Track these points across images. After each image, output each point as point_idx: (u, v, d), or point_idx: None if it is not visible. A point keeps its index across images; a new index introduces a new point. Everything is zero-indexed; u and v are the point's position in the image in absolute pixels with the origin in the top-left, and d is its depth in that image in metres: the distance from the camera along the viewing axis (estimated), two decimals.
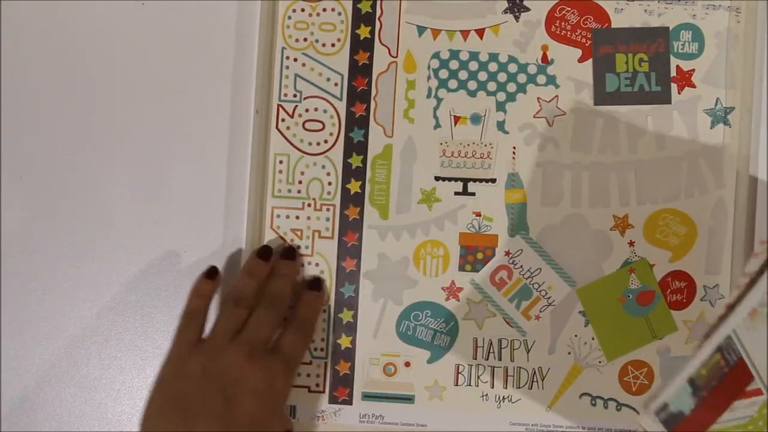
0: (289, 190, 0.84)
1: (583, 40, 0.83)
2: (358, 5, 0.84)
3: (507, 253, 0.82)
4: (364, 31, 0.84)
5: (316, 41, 0.84)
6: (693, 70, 0.82)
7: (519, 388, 0.82)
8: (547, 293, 0.82)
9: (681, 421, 0.65)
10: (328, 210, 0.84)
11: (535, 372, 0.82)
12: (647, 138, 0.82)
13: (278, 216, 0.84)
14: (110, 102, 0.83)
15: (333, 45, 0.84)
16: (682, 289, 0.81)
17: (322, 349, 0.83)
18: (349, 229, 0.84)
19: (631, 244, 0.81)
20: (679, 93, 0.82)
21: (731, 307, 0.61)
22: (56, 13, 0.83)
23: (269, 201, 0.84)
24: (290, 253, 0.81)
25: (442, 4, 0.83)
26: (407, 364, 0.83)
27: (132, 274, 0.83)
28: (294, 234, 0.84)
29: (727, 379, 0.63)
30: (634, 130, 0.82)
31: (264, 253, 0.80)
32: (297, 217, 0.84)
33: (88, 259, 0.83)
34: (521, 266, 0.82)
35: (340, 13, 0.84)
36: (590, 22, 0.83)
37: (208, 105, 0.83)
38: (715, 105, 0.81)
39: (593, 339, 0.81)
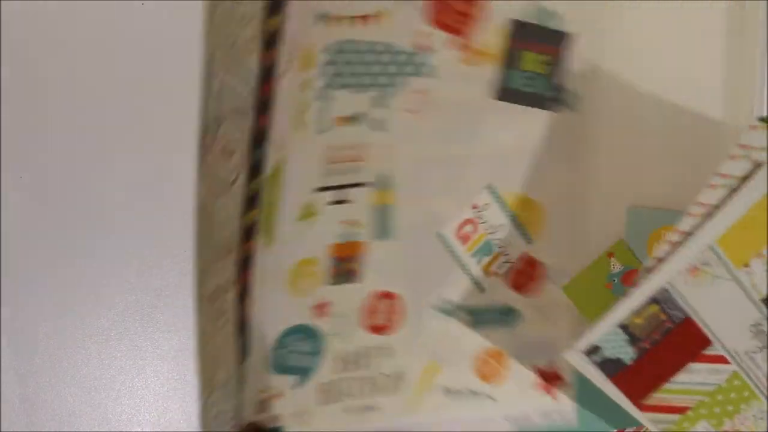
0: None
1: (455, 25, 0.75)
2: None
3: (474, 206, 0.79)
4: (274, 24, 0.66)
5: (235, 42, 0.65)
6: None
7: (381, 394, 0.81)
8: (506, 250, 0.80)
9: (621, 370, 0.72)
10: (232, 255, 0.73)
11: (394, 375, 0.81)
12: (506, 129, 0.79)
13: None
14: (110, 101, 0.76)
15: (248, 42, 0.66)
16: (531, 274, 0.84)
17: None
18: (245, 269, 0.73)
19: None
20: None
21: (661, 261, 0.68)
22: (56, 12, 0.74)
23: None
24: None
25: None
26: (278, 396, 0.78)
27: (132, 274, 0.78)
28: (214, 296, 0.72)
29: (673, 336, 0.70)
30: (496, 121, 0.78)
31: None
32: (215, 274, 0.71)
33: (88, 259, 0.78)
34: (486, 221, 0.79)
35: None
36: (462, 5, 0.74)
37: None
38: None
39: (448, 334, 0.81)
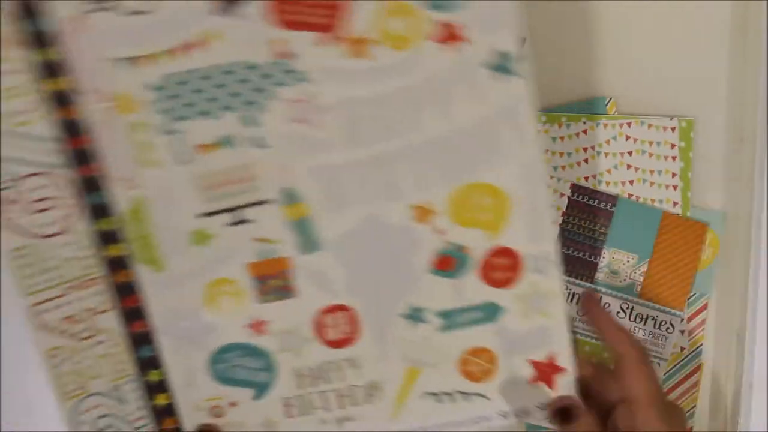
0: (44, 281, 0.74)
1: (321, 20, 0.69)
2: (41, 57, 0.68)
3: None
4: (58, 84, 0.69)
5: (10, 114, 0.69)
6: (459, 22, 0.71)
7: (357, 405, 0.79)
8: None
9: None
10: (95, 284, 0.75)
11: (369, 386, 0.78)
12: (428, 114, 0.72)
13: (42, 312, 0.74)
14: None
15: (28, 111, 0.69)
16: (508, 266, 0.76)
17: (142, 418, 0.78)
18: (126, 294, 0.75)
19: (440, 231, 0.75)
20: (450, 53, 0.71)
21: None
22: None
23: (25, 301, 0.74)
24: None
25: (138, 25, 0.68)
26: (233, 405, 0.78)
27: None
28: (68, 323, 0.74)
29: None
30: (409, 108, 0.72)
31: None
32: (63, 305, 0.75)
33: None
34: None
35: (22, 72, 0.68)
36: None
37: None
38: (496, 55, 0.71)
39: (423, 338, 0.77)
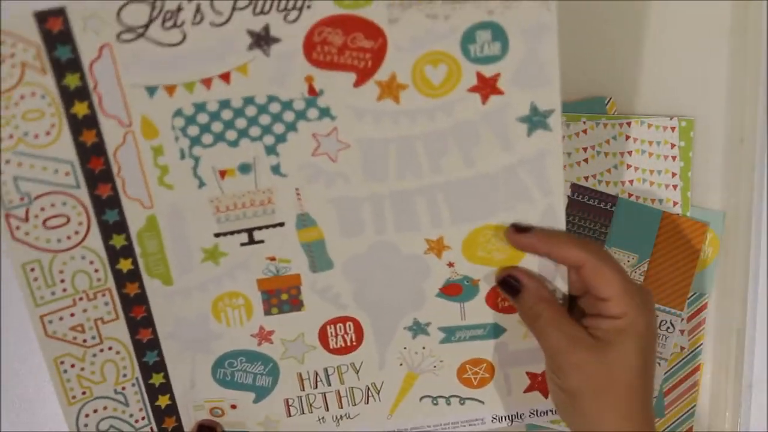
0: (53, 293, 0.75)
1: (356, 62, 0.69)
2: (63, 82, 0.68)
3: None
4: (81, 109, 0.69)
5: (26, 134, 0.69)
6: (498, 74, 0.70)
7: (355, 405, 0.81)
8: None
9: None
10: (104, 295, 0.76)
11: (368, 388, 0.81)
12: (451, 157, 0.72)
13: (50, 322, 0.75)
14: None
15: (48, 133, 0.70)
16: None
17: (143, 418, 0.80)
18: (134, 304, 0.76)
19: (451, 264, 0.75)
20: (484, 103, 0.71)
21: None
22: None
23: (35, 312, 0.75)
24: None
25: (168, 55, 0.68)
26: (233, 407, 0.80)
27: None
28: (75, 331, 0.76)
29: None
30: (434, 151, 0.72)
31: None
32: (72, 315, 0.75)
33: None
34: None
35: (44, 96, 0.68)
36: (360, 40, 0.68)
37: None
38: (530, 110, 0.71)
39: (424, 348, 0.79)
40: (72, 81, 0.68)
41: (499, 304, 0.77)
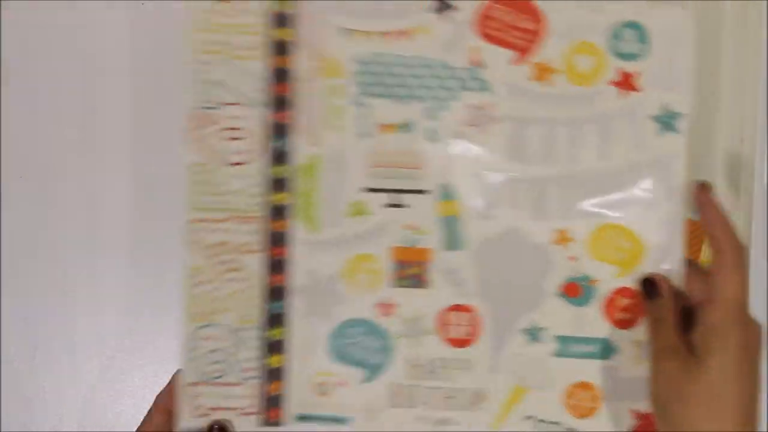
0: (209, 203, 0.79)
1: (517, 41, 0.77)
2: (277, 7, 0.76)
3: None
4: (285, 34, 0.77)
5: (233, 45, 0.76)
6: (637, 72, 0.78)
7: (458, 410, 0.81)
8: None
9: None
10: (253, 222, 0.79)
11: (475, 393, 0.81)
12: (589, 147, 0.78)
13: (197, 230, 0.79)
14: (110, 102, 0.85)
15: (250, 50, 0.76)
16: (630, 307, 0.80)
17: (252, 369, 0.80)
18: (276, 243, 0.79)
19: (573, 258, 0.79)
20: (622, 98, 0.78)
21: None
22: (56, 12, 0.84)
23: (188, 213, 0.78)
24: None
25: (364, 4, 0.77)
26: (341, 384, 0.80)
27: (132, 274, 0.86)
28: (217, 248, 0.78)
29: None
30: (574, 139, 0.78)
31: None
32: (219, 231, 0.79)
33: (88, 259, 0.85)
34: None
35: (258, 15, 0.77)
36: (524, 22, 0.77)
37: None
38: (663, 111, 0.78)
39: (536, 359, 0.80)
40: (284, 6, 0.78)
41: (615, 315, 0.79)
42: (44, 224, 0.85)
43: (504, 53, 0.78)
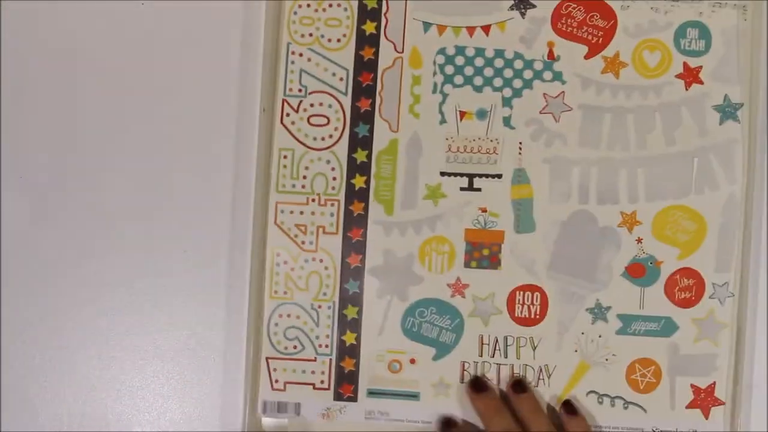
0: (294, 185, 0.83)
1: (590, 37, 0.83)
2: (364, 1, 0.81)
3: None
4: (369, 27, 0.82)
5: (322, 36, 0.82)
6: (700, 66, 0.83)
7: None
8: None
9: None
10: (332, 205, 0.83)
11: (541, 369, 0.84)
12: (656, 134, 0.83)
13: (282, 211, 0.83)
14: (111, 101, 0.84)
15: (339, 40, 0.82)
16: (691, 287, 0.85)
17: (327, 346, 0.83)
18: (354, 224, 0.83)
19: (639, 240, 0.83)
20: (687, 89, 0.83)
21: None
22: (56, 12, 0.83)
23: (273, 196, 0.83)
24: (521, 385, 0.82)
25: (447, 2, 0.82)
26: (412, 361, 0.84)
27: (132, 274, 0.84)
28: (298, 229, 0.82)
29: None
30: (642, 126, 0.83)
31: (481, 385, 0.81)
32: (301, 213, 0.83)
33: (88, 259, 0.83)
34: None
35: (346, 9, 0.82)
36: (596, 19, 0.83)
37: (213, 101, 0.83)
38: (724, 101, 0.83)
39: (600, 336, 0.84)
40: (370, 2, 0.83)
41: (676, 295, 0.84)
42: (44, 224, 0.83)
43: (578, 48, 0.83)
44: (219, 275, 0.83)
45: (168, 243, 0.83)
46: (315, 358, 0.83)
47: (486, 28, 0.83)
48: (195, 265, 0.82)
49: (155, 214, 0.83)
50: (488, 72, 0.83)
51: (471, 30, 0.83)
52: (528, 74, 0.83)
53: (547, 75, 0.83)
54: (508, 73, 0.83)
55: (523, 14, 0.83)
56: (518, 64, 0.83)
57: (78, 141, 0.82)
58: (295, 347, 0.84)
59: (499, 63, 0.83)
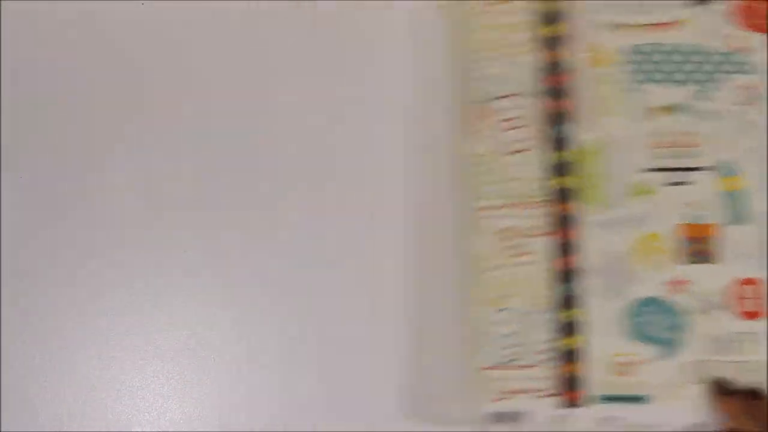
0: (492, 190, 0.83)
1: None
2: (547, 7, 0.84)
3: None
4: (555, 30, 0.84)
5: (505, 43, 0.83)
6: None
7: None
8: None
9: None
10: (536, 208, 0.82)
11: (766, 364, 0.80)
12: None
13: (485, 218, 0.82)
14: (110, 100, 0.84)
15: (522, 45, 0.83)
16: None
17: (545, 351, 0.81)
18: (562, 225, 0.82)
19: None
20: None
21: None
22: (56, 12, 0.83)
23: (475, 203, 0.82)
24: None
25: (630, 3, 0.85)
26: (639, 363, 0.81)
27: (132, 274, 0.83)
28: (503, 235, 0.81)
29: None
30: None
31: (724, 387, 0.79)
32: (503, 218, 0.82)
33: (88, 259, 0.83)
34: None
35: (526, 15, 0.84)
36: None
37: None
38: None
39: None
40: (553, 6, 0.86)
41: None
42: (44, 224, 0.83)
43: (760, 38, 0.84)
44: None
45: (167, 244, 0.85)
46: (535, 364, 0.82)
47: (668, 25, 0.85)
48: (195, 266, 0.84)
49: (154, 215, 0.86)
50: (676, 67, 0.84)
51: (654, 27, 0.86)
52: (727, 67, 0.84)
53: (738, 67, 0.84)
54: (696, 67, 0.84)
55: (702, 9, 0.85)
56: (704, 58, 0.84)
57: (78, 141, 0.83)
58: (513, 355, 0.82)
59: (685, 57, 0.84)
